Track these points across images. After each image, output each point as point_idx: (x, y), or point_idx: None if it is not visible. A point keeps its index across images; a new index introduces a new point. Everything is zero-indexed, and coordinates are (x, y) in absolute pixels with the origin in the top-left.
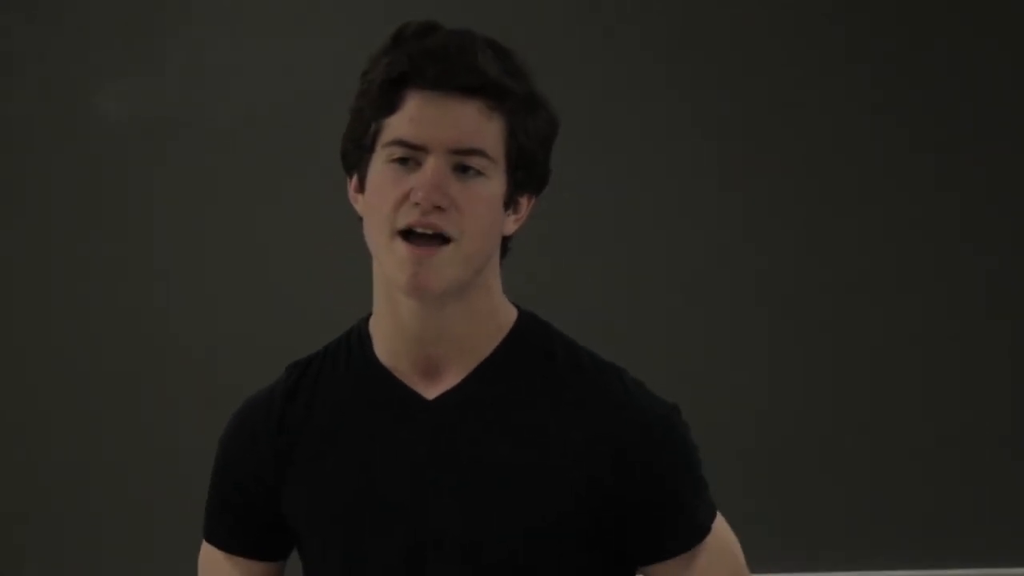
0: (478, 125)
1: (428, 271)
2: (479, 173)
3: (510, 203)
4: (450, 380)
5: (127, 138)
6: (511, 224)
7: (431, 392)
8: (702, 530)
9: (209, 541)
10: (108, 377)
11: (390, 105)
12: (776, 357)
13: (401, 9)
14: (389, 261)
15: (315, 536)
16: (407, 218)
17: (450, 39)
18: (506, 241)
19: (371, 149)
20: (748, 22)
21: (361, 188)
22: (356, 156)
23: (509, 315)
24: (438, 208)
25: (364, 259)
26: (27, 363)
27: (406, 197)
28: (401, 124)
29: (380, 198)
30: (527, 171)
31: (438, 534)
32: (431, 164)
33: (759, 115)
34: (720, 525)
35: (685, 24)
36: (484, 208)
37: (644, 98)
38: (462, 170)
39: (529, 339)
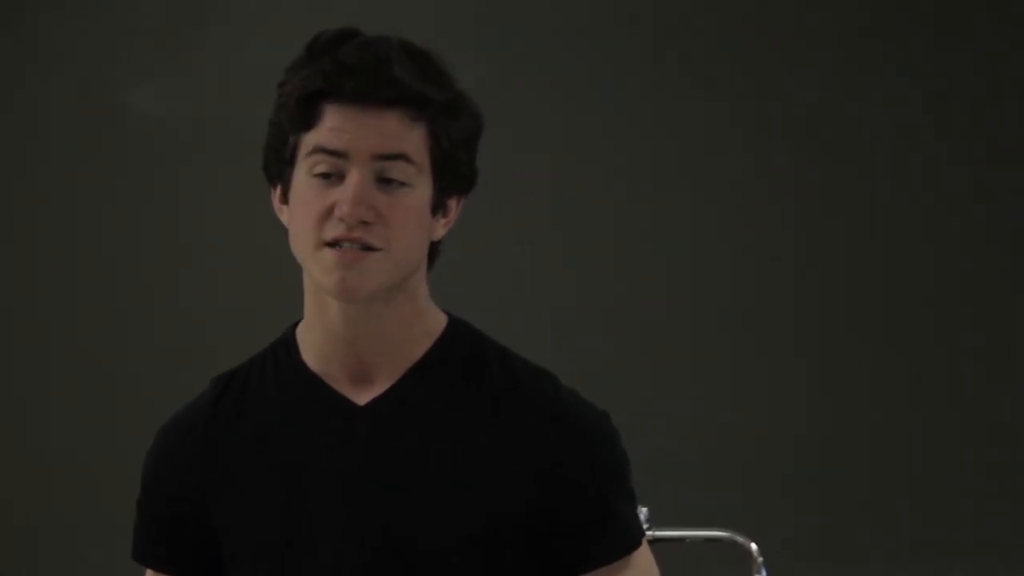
0: (400, 133)
1: (356, 275)
2: (403, 184)
3: (438, 208)
4: (380, 385)
5: (161, 138)
6: (440, 228)
7: (362, 398)
8: (631, 541)
9: (140, 561)
10: (132, 375)
11: (308, 120)
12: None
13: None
14: (316, 268)
15: (246, 549)
16: (333, 232)
17: (366, 50)
18: (436, 245)
19: (292, 162)
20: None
21: (285, 199)
22: (278, 168)
23: (439, 320)
24: (363, 222)
25: None
26: (52, 354)
27: (330, 211)
28: (321, 135)
29: (304, 212)
30: (453, 175)
31: (370, 541)
32: (354, 177)
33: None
34: (647, 552)
35: (682, 32)
36: (410, 219)
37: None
38: (386, 182)
39: (460, 345)
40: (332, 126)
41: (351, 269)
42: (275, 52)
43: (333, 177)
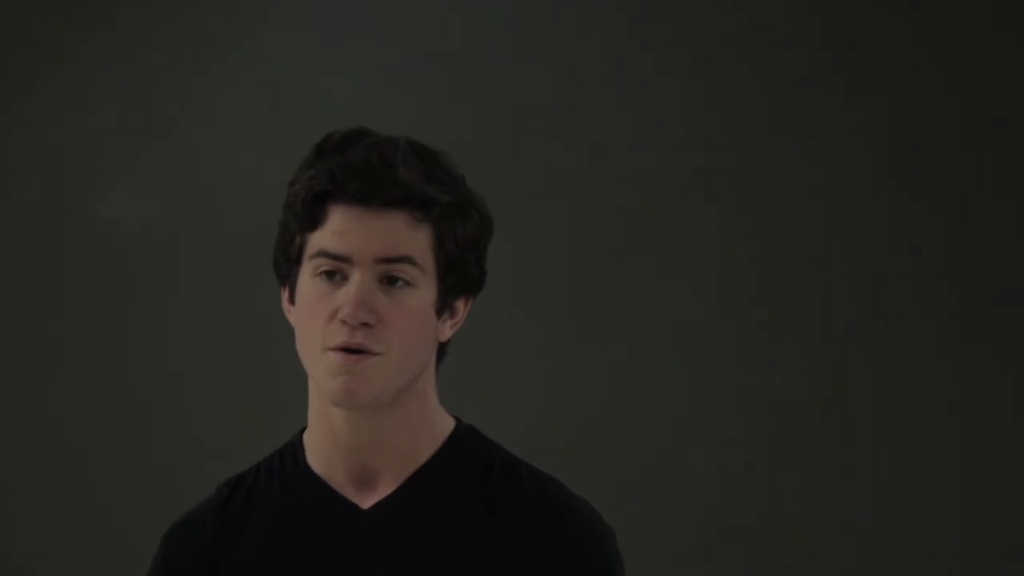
0: (404, 235)
1: (358, 379)
2: (408, 284)
3: (443, 309)
4: (384, 489)
5: (133, 244)
6: (447, 330)
7: (365, 502)
8: None
9: None
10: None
11: (313, 220)
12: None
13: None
14: (319, 371)
15: None
16: (336, 338)
17: (373, 150)
18: (443, 346)
19: (298, 261)
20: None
21: (292, 299)
22: (285, 268)
23: (445, 424)
24: (365, 324)
25: None
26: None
27: (334, 315)
28: (325, 237)
29: (310, 314)
30: (459, 276)
31: None
32: (356, 279)
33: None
34: None
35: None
36: (413, 320)
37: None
38: (390, 281)
39: (466, 449)
40: (336, 228)
41: (352, 374)
42: (251, 156)
43: (338, 276)
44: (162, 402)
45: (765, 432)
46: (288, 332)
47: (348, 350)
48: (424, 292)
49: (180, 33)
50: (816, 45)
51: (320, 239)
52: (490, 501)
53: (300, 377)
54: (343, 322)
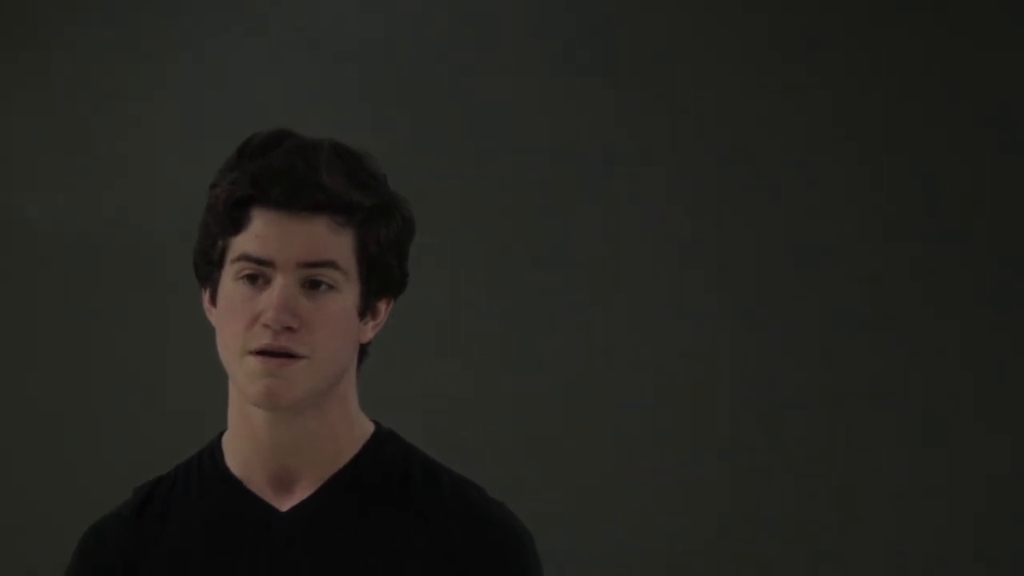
0: (327, 239)
1: (280, 382)
2: (331, 287)
3: (366, 311)
4: (303, 492)
5: (57, 251)
6: (369, 331)
7: (284, 504)
8: None
9: None
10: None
11: (236, 224)
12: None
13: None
14: (241, 373)
15: None
16: (258, 341)
17: (295, 155)
18: (364, 348)
19: (220, 264)
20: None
21: (214, 301)
22: (207, 270)
23: (365, 428)
24: (288, 328)
25: None
26: None
27: (257, 318)
28: (247, 241)
29: (231, 317)
30: (381, 279)
31: None
32: (279, 283)
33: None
34: None
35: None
36: (335, 324)
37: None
38: (313, 285)
39: (385, 453)
40: (259, 232)
41: (276, 377)
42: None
43: (260, 280)
44: (75, 410)
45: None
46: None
47: (271, 353)
48: (347, 295)
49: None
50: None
51: (242, 243)
52: (409, 504)
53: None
54: (266, 326)
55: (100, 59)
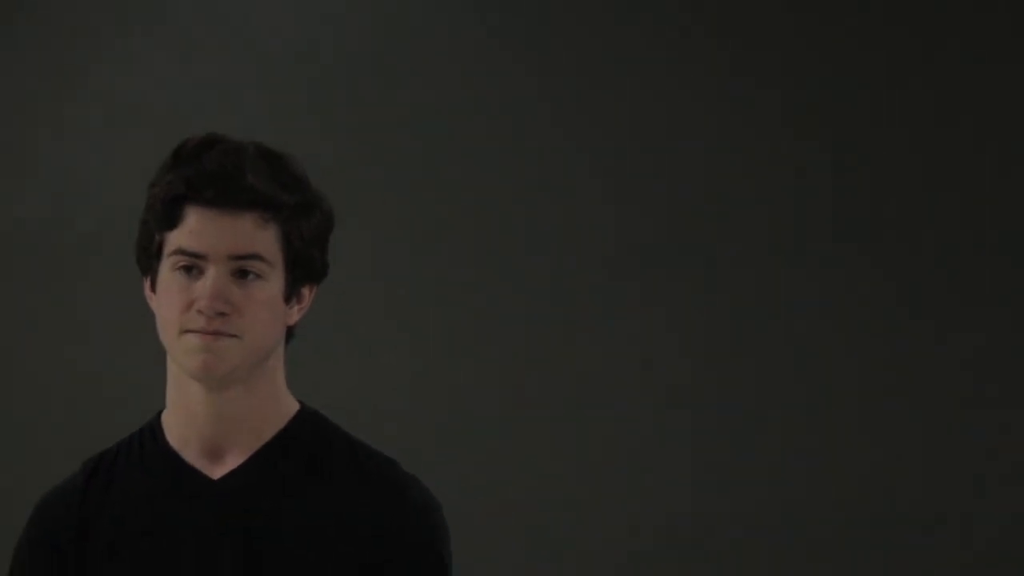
0: (254, 234)
1: (214, 357)
2: (258, 276)
3: (291, 297)
4: (233, 462)
5: None
6: (295, 314)
7: (216, 473)
8: None
9: None
10: None
11: (171, 221)
12: None
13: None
14: (179, 351)
15: None
16: (194, 324)
17: (225, 158)
18: (291, 329)
19: (158, 257)
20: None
21: (154, 289)
22: (147, 262)
23: (292, 405)
24: (221, 314)
25: None
26: None
27: (191, 304)
28: (183, 236)
29: (168, 303)
30: (305, 268)
31: None
32: (212, 273)
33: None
34: None
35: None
36: (264, 309)
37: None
38: (242, 275)
39: (309, 428)
40: (192, 228)
41: (210, 352)
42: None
43: (195, 271)
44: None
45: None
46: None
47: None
48: (273, 283)
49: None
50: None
51: (178, 237)
52: (329, 475)
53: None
54: (200, 312)
55: (22, 59)
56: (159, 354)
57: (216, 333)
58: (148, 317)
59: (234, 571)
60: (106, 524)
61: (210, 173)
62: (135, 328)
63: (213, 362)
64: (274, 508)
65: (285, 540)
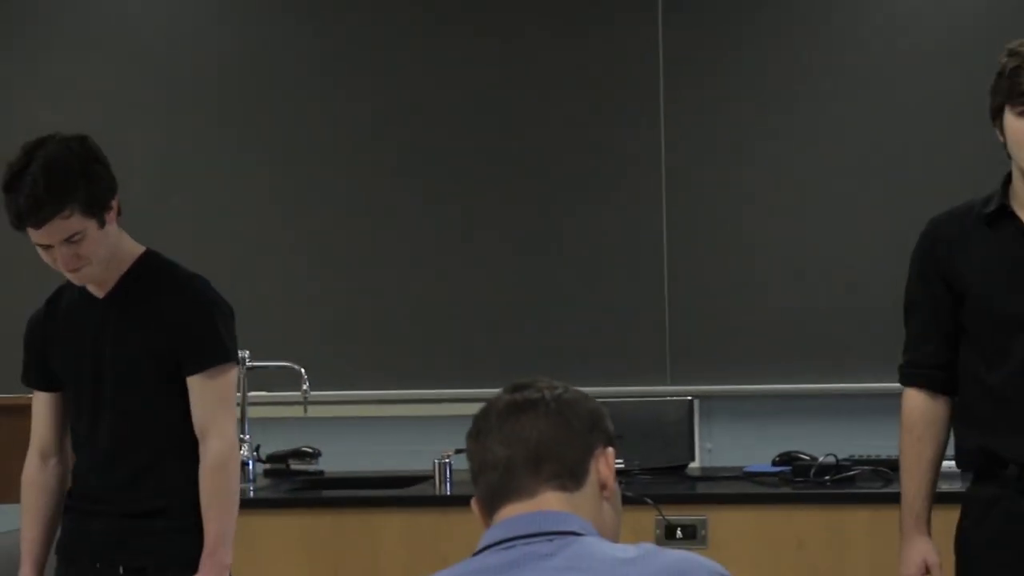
0: (66, 226)
1: (83, 275)
2: (82, 238)
3: (102, 217)
4: (109, 287)
5: None
6: (112, 216)
7: (101, 295)
8: (212, 358)
9: (25, 384)
10: None
11: (23, 230)
12: None
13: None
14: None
15: (65, 377)
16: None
17: (20, 196)
18: (116, 214)
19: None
20: None
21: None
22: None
23: (137, 250)
24: (75, 269)
25: None
26: None
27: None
28: (34, 236)
29: (50, 263)
30: (100, 207)
31: (103, 364)
32: (57, 252)
33: None
34: (232, 369)
35: None
36: (93, 246)
37: None
38: (74, 242)
39: (150, 261)
40: (34, 237)
41: (80, 272)
42: None
43: (53, 249)
44: None
45: None
46: None
47: None
48: (90, 232)
49: None
50: None
51: (33, 237)
52: (159, 288)
53: None
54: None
55: None
56: None
57: (77, 273)
58: None
59: (108, 345)
60: (56, 323)
61: (17, 213)
62: None
63: (82, 279)
64: (127, 312)
65: (130, 328)
